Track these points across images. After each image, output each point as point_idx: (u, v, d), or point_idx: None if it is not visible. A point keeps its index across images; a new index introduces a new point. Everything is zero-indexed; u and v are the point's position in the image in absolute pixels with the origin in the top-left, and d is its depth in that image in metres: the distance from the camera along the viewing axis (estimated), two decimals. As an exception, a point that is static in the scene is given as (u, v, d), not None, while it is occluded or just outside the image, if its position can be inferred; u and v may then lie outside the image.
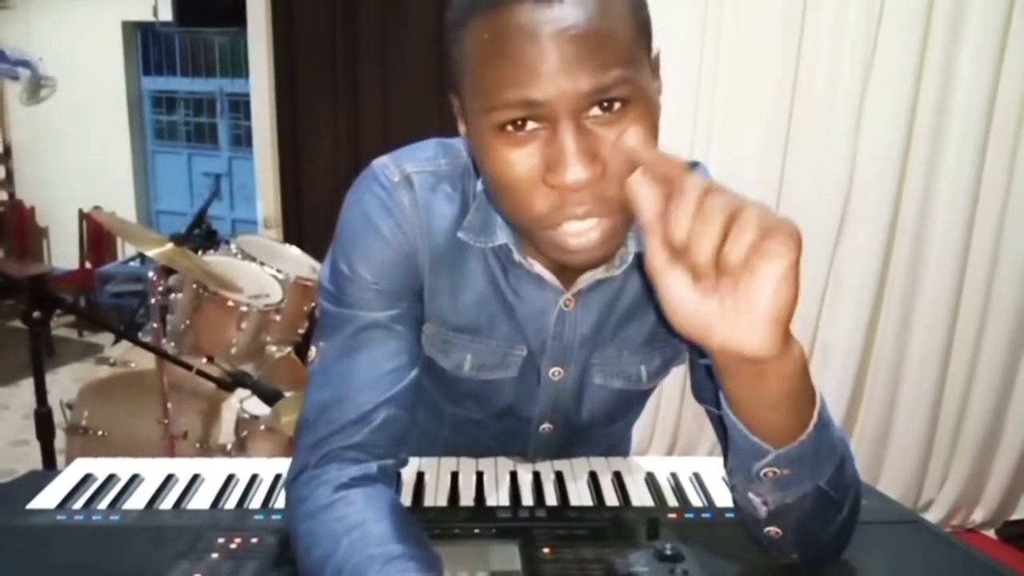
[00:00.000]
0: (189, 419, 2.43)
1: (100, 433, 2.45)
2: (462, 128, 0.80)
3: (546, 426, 1.04)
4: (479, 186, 0.88)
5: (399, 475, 0.96)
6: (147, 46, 5.78)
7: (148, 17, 5.13)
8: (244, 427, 2.34)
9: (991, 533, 3.12)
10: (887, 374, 3.13)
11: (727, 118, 3.16)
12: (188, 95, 5.77)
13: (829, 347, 3.22)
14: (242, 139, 5.63)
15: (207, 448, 2.40)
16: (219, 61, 5.59)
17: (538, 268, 0.88)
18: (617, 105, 0.69)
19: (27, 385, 4.69)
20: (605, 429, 1.10)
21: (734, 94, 3.13)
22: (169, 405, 2.30)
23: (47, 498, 0.97)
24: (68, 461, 1.97)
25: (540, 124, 0.69)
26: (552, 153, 0.68)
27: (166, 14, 4.79)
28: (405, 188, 0.88)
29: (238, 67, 5.43)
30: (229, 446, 2.38)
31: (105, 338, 5.40)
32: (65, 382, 4.51)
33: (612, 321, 0.95)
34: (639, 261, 0.86)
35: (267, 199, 3.97)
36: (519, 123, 0.69)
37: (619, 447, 1.22)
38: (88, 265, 5.83)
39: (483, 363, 0.97)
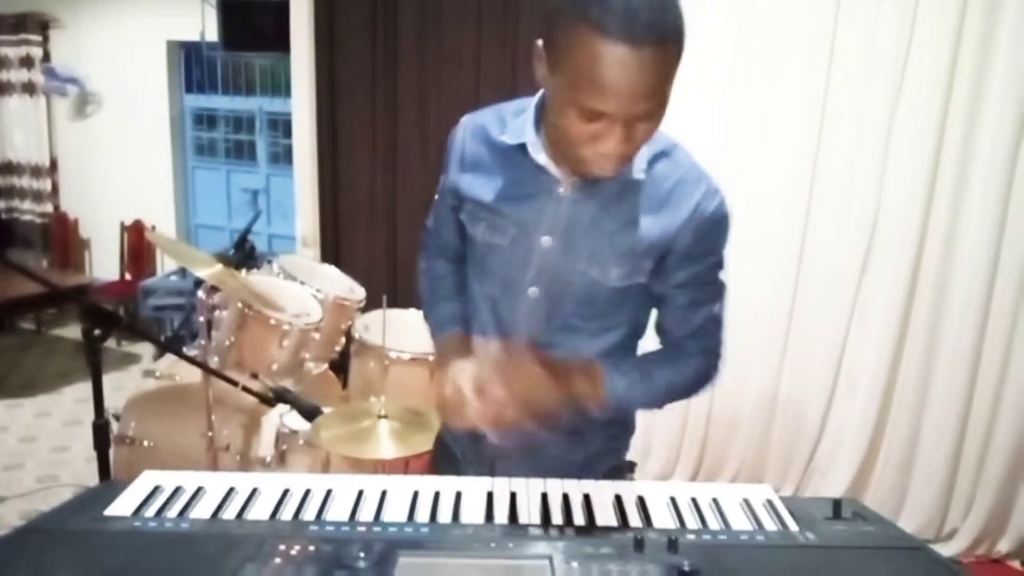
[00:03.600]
0: (231, 432, 2.53)
1: (146, 444, 2.55)
2: (540, 70, 1.12)
3: (533, 289, 1.31)
4: (519, 112, 1.30)
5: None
6: (190, 65, 5.95)
7: (194, 38, 5.28)
8: (284, 441, 2.44)
9: (1017, 564, 3.11)
10: (912, 402, 3.16)
11: (755, 147, 3.22)
12: (228, 113, 5.92)
13: (854, 374, 3.25)
14: (280, 156, 5.76)
15: (248, 461, 2.50)
16: (259, 80, 5.74)
17: (543, 160, 1.25)
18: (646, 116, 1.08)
19: (68, 393, 4.86)
20: (579, 318, 1.33)
21: (762, 124, 3.19)
22: (213, 418, 2.40)
23: (122, 506, 1.07)
24: (115, 470, 2.07)
25: (603, 119, 1.06)
26: (606, 133, 1.08)
27: (212, 34, 4.95)
28: (459, 128, 1.41)
29: (277, 87, 5.58)
30: (269, 459, 2.47)
31: (143, 348, 5.55)
32: (105, 391, 4.66)
33: (597, 218, 1.25)
34: (630, 186, 1.24)
35: (306, 219, 4.09)
36: (591, 115, 1.06)
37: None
38: (128, 277, 5.99)
39: (494, 231, 1.32)
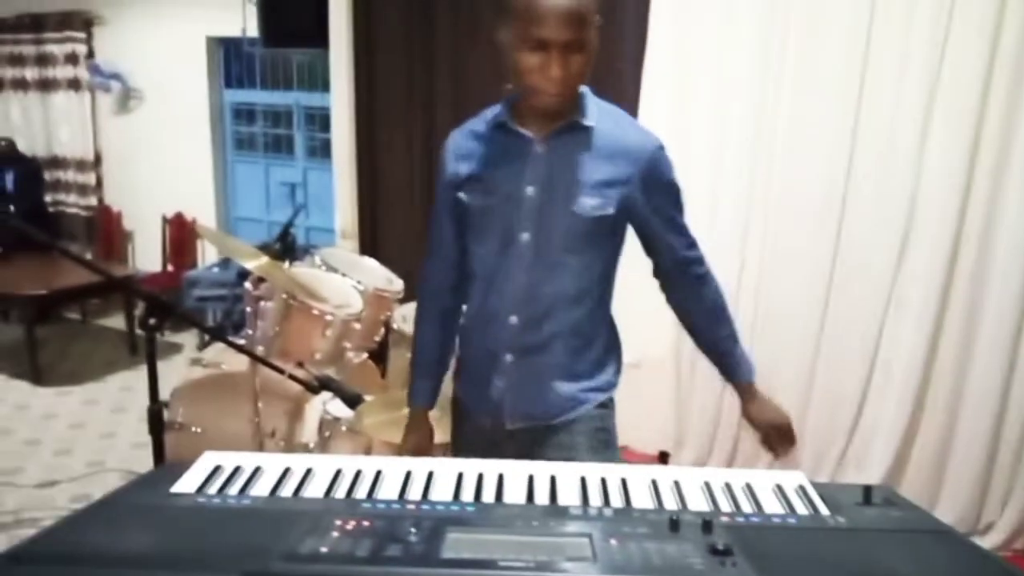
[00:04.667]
0: (276, 419, 2.62)
1: (194, 429, 2.65)
2: (500, 33, 1.54)
3: (525, 234, 1.62)
4: (495, 109, 1.69)
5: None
6: (229, 60, 6.05)
7: (235, 33, 5.38)
8: (327, 428, 2.51)
9: (1055, 556, 3.09)
10: (948, 393, 3.15)
11: (791, 137, 3.23)
12: (267, 108, 6.02)
13: (890, 364, 3.26)
14: (317, 150, 5.86)
15: (292, 446, 2.58)
16: (296, 76, 5.83)
17: (521, 129, 1.61)
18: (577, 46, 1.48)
19: (114, 381, 5.00)
20: (565, 252, 1.63)
21: (798, 113, 3.20)
22: (259, 405, 2.48)
23: (186, 484, 1.13)
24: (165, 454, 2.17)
25: (546, 49, 1.47)
26: (548, 61, 1.48)
27: (252, 30, 5.04)
28: (449, 139, 1.77)
29: (315, 82, 5.66)
30: (312, 444, 2.55)
31: (185, 337, 5.69)
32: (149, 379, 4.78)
33: (565, 164, 1.60)
34: (585, 134, 1.60)
35: (344, 212, 4.17)
36: (534, 44, 1.47)
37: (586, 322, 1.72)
38: (170, 268, 6.13)
39: (488, 194, 1.65)
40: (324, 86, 5.04)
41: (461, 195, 1.68)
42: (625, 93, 3.37)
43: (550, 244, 1.63)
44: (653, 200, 1.64)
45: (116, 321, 6.03)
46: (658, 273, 1.78)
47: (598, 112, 1.62)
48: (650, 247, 1.73)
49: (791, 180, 3.24)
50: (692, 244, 1.74)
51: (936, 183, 3.03)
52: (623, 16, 3.49)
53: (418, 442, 1.84)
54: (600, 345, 1.75)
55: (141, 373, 5.09)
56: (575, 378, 1.71)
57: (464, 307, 1.84)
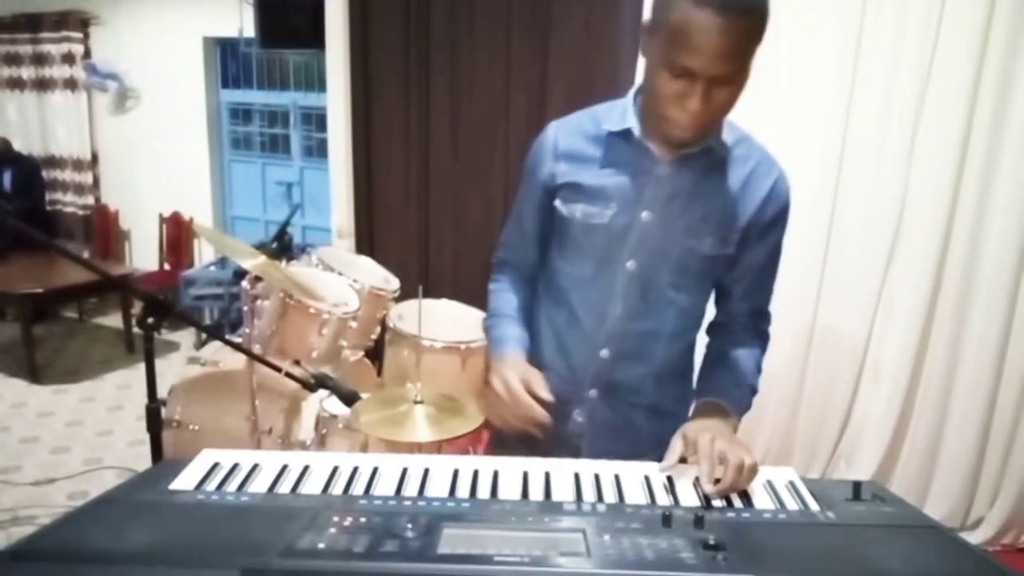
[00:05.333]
0: (273, 416, 2.63)
1: (192, 427, 2.66)
2: (643, 41, 1.32)
3: (631, 263, 1.44)
4: (612, 108, 1.46)
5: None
6: (226, 61, 6.06)
7: (231, 34, 5.39)
8: (324, 425, 2.53)
9: (1043, 552, 3.12)
10: (937, 392, 3.18)
11: (781, 136, 3.21)
12: (263, 107, 6.04)
13: (879, 364, 3.28)
14: (313, 150, 5.87)
15: (289, 444, 2.60)
16: (293, 76, 5.84)
17: (647, 143, 1.39)
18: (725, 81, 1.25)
19: (110, 379, 5.01)
20: (673, 288, 1.46)
21: (788, 113, 3.21)
22: (257, 403, 2.50)
23: (184, 481, 1.15)
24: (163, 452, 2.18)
25: (688, 78, 1.24)
26: (689, 92, 1.25)
27: (249, 31, 5.06)
28: (547, 131, 1.53)
29: (311, 82, 5.68)
30: (309, 442, 2.57)
31: (181, 336, 5.71)
32: (145, 378, 4.79)
33: (692, 192, 1.40)
34: (717, 162, 1.41)
35: (341, 211, 4.18)
36: (680, 72, 1.23)
37: (680, 357, 1.57)
38: (167, 267, 6.14)
39: (593, 210, 1.44)
40: (320, 86, 5.05)
41: (559, 204, 1.48)
42: (619, 90, 3.37)
43: (658, 277, 1.45)
44: (763, 239, 1.47)
45: (113, 320, 6.05)
46: (718, 323, 1.61)
47: (732, 137, 1.42)
48: (729, 286, 1.54)
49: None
50: (769, 300, 1.58)
51: (926, 184, 3.05)
52: (619, 12, 3.51)
53: (524, 373, 1.43)
54: (688, 380, 1.61)
55: (137, 371, 5.11)
56: (661, 417, 1.53)
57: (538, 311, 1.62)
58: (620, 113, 1.43)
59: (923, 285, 3.11)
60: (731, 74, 1.23)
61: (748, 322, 1.57)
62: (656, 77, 1.27)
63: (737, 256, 1.46)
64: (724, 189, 1.42)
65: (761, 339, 1.58)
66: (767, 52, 3.15)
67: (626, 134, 1.41)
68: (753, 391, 1.52)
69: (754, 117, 3.26)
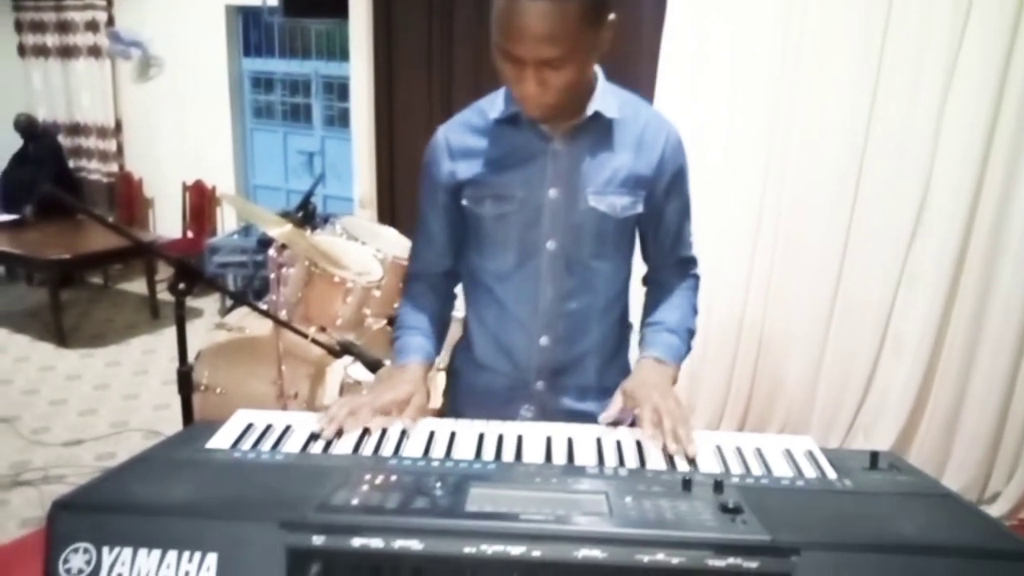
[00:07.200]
0: (299, 381, 2.68)
1: (218, 391, 2.71)
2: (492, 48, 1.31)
3: (551, 242, 1.46)
4: (494, 99, 1.46)
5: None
6: (247, 29, 6.07)
7: (254, 2, 5.39)
8: (348, 390, 2.58)
9: (1060, 527, 3.13)
10: (958, 366, 3.19)
11: (808, 113, 3.23)
12: (285, 76, 6.05)
13: (901, 337, 3.29)
14: (334, 119, 5.89)
15: (314, 408, 2.64)
16: (315, 45, 5.85)
17: (537, 123, 1.40)
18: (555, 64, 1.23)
19: (135, 344, 5.10)
20: (595, 258, 1.49)
21: (815, 90, 3.20)
22: (283, 368, 2.54)
23: (220, 440, 1.19)
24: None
25: (518, 62, 1.24)
26: (521, 76, 1.26)
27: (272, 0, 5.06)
28: (437, 135, 1.52)
29: (332, 51, 5.68)
30: (333, 407, 2.61)
31: (206, 303, 5.78)
32: (172, 342, 4.86)
33: (591, 160, 1.43)
34: (607, 127, 1.43)
35: (363, 181, 4.21)
36: (507, 56, 1.25)
37: (615, 327, 1.60)
38: (190, 234, 6.20)
39: (501, 201, 1.45)
40: (343, 55, 5.05)
41: (466, 203, 1.48)
42: (640, 83, 3.36)
43: (580, 251, 1.47)
44: (672, 193, 1.51)
45: (137, 286, 6.14)
46: (651, 276, 1.66)
47: (616, 101, 1.44)
48: (653, 243, 1.59)
49: (808, 155, 3.25)
50: (691, 244, 1.62)
51: (952, 156, 3.05)
52: (640, 6, 3.48)
53: (420, 401, 1.38)
54: (625, 354, 1.65)
55: (162, 337, 5.20)
56: (606, 395, 1.47)
57: (456, 311, 1.63)
58: (502, 100, 1.44)
59: (947, 258, 3.11)
60: (559, 57, 1.22)
61: (676, 270, 1.61)
62: (497, 62, 1.29)
63: (648, 212, 1.50)
64: (621, 150, 1.44)
65: (692, 281, 1.63)
66: (792, 36, 3.14)
67: (514, 119, 1.42)
68: (691, 333, 1.57)
69: (778, 100, 3.26)
